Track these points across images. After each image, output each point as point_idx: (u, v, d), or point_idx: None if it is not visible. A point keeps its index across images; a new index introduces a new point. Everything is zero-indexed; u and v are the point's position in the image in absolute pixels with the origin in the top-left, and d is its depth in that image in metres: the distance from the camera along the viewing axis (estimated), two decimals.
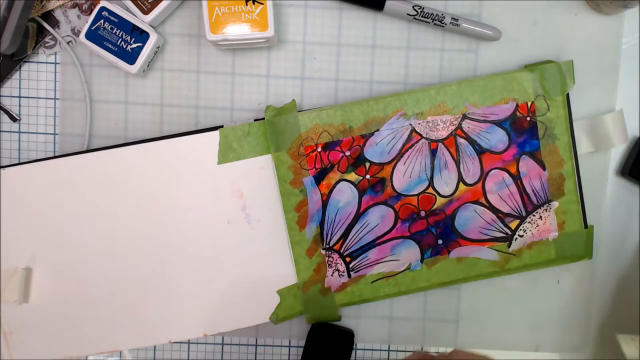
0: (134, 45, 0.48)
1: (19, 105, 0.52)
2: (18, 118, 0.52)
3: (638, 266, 0.53)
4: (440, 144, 0.50)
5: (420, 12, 0.49)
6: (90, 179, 0.50)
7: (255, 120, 0.50)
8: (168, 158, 0.50)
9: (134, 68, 0.48)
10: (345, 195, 0.50)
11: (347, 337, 0.52)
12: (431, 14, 0.49)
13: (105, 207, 0.50)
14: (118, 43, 0.48)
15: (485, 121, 0.50)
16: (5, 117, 0.52)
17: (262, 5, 0.47)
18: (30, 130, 0.52)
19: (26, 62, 0.52)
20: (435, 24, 0.50)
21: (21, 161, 0.52)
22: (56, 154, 0.52)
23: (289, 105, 0.50)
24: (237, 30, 0.47)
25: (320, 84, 0.52)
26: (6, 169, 0.50)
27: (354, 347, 0.54)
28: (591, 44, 0.51)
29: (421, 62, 0.52)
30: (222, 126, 0.50)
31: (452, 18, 0.50)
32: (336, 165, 0.50)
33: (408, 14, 0.50)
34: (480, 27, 0.50)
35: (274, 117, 0.49)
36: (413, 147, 0.50)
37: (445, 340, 0.54)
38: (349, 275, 0.51)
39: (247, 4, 0.47)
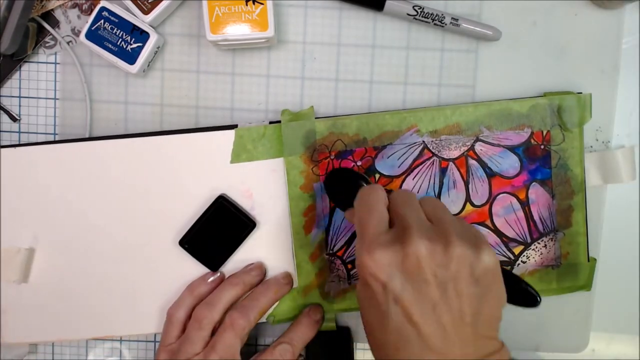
0: (134, 45, 0.48)
1: (19, 105, 0.52)
2: (18, 118, 0.52)
3: (638, 266, 0.54)
4: (451, 163, 0.50)
5: (420, 12, 0.49)
6: (98, 167, 0.50)
7: (271, 122, 0.50)
8: (181, 152, 0.50)
9: (134, 68, 0.48)
10: None
11: (344, 334, 0.52)
12: (431, 14, 0.49)
13: (111, 195, 0.50)
14: (118, 43, 0.48)
15: (498, 145, 0.50)
16: (5, 117, 0.52)
17: (262, 5, 0.47)
18: (30, 130, 0.52)
19: (26, 62, 0.52)
20: (435, 24, 0.50)
21: None
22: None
23: (306, 111, 0.50)
24: (237, 30, 0.47)
25: (320, 84, 0.52)
26: (16, 148, 0.50)
27: (354, 347, 0.54)
28: (591, 44, 0.51)
29: (421, 62, 0.52)
30: (236, 125, 0.50)
31: (452, 18, 0.50)
32: None
33: (408, 14, 0.50)
34: (480, 27, 0.50)
35: (290, 122, 0.49)
36: (423, 164, 0.50)
37: None
38: (349, 282, 0.51)
39: (247, 4, 0.47)
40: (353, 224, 0.48)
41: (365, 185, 0.46)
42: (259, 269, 0.50)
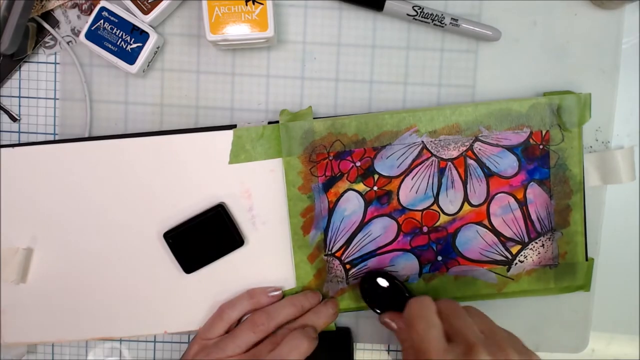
0: (134, 45, 0.48)
1: (19, 105, 0.52)
2: (18, 118, 0.52)
3: (638, 266, 0.54)
4: (449, 163, 0.50)
5: (420, 12, 0.49)
6: (97, 167, 0.50)
7: (270, 123, 0.50)
8: (180, 152, 0.50)
9: (134, 68, 0.48)
10: (351, 205, 0.50)
11: (344, 335, 0.52)
12: (431, 14, 0.49)
13: (110, 196, 0.51)
14: (118, 43, 0.48)
15: (497, 145, 0.50)
16: (5, 117, 0.52)
17: (262, 6, 0.47)
18: (30, 130, 0.52)
19: (26, 62, 0.52)
20: (435, 24, 0.50)
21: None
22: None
23: (305, 111, 0.50)
24: (237, 30, 0.47)
25: (320, 84, 0.52)
26: (16, 148, 0.50)
27: (354, 347, 0.54)
28: (591, 44, 0.51)
29: (421, 62, 0.52)
30: (235, 125, 0.50)
31: (452, 18, 0.50)
32: (346, 175, 0.50)
33: (408, 14, 0.50)
34: (480, 27, 0.50)
35: (288, 122, 0.49)
36: (422, 164, 0.50)
37: None
38: (347, 282, 0.51)
39: (247, 4, 0.47)
40: (351, 227, 0.50)
41: (404, 290, 0.49)
42: (317, 297, 0.51)
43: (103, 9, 0.48)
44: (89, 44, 0.48)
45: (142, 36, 0.48)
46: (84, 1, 0.51)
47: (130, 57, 0.48)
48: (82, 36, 0.48)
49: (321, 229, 0.50)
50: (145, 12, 0.48)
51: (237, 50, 0.51)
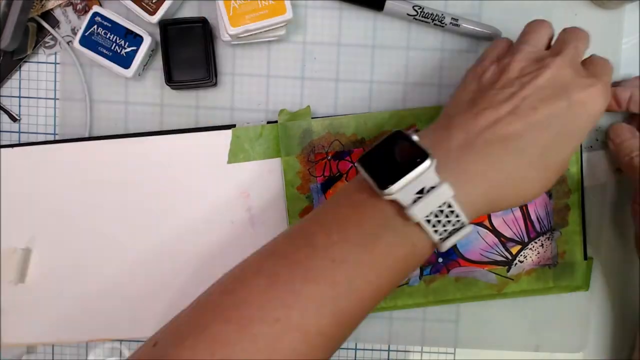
0: (128, 49, 0.48)
1: (19, 105, 0.52)
2: (18, 118, 0.52)
3: (638, 266, 0.53)
4: None
5: (420, 12, 0.49)
6: (96, 167, 0.50)
7: (269, 122, 0.50)
8: (178, 152, 0.50)
9: (129, 72, 0.48)
10: None
11: None
12: (431, 14, 0.49)
13: (109, 196, 0.51)
14: (112, 47, 0.48)
15: None
16: (5, 117, 0.52)
17: None
18: (30, 130, 0.52)
19: (26, 62, 0.52)
20: (435, 24, 0.50)
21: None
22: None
23: (303, 111, 0.50)
24: (257, 18, 0.46)
25: (320, 84, 0.52)
26: (16, 148, 0.50)
27: (354, 347, 0.54)
28: (591, 44, 0.51)
29: (421, 62, 0.52)
30: (234, 125, 0.50)
31: (452, 18, 0.49)
32: (345, 175, 0.50)
33: (408, 14, 0.49)
34: (480, 27, 0.50)
35: (287, 122, 0.49)
36: None
37: (445, 340, 0.54)
38: None
39: None
40: None
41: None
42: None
43: (96, 14, 0.48)
44: (83, 50, 0.48)
45: (136, 40, 0.48)
46: (78, 1, 0.51)
47: (125, 61, 0.48)
48: (76, 42, 0.48)
49: None
50: (151, 13, 0.48)
51: (237, 50, 0.51)
